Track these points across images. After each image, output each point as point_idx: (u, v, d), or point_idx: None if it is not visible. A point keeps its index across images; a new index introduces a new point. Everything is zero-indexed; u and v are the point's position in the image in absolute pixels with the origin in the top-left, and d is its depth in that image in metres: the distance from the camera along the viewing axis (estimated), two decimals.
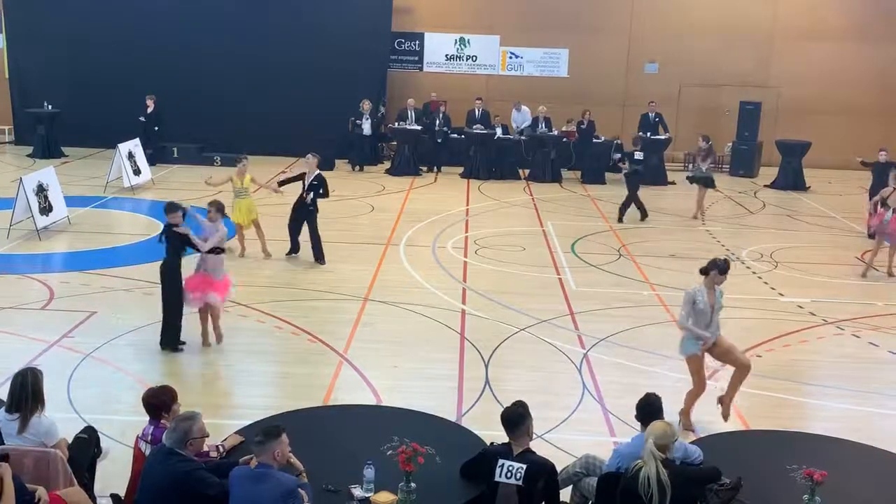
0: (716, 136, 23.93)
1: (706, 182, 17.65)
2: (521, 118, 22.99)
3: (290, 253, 13.80)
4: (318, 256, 13.60)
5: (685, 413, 8.36)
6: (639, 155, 17.68)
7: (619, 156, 18.49)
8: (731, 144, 23.53)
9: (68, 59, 22.93)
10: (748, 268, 14.18)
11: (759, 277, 13.61)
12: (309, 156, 13.72)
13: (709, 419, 8.45)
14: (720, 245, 15.60)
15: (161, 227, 10.30)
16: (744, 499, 5.61)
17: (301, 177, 13.61)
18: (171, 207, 9.71)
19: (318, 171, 13.60)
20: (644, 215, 17.33)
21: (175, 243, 9.62)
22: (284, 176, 14.65)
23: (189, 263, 9.97)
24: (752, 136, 23.07)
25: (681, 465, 5.66)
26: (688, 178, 18.70)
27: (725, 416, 8.27)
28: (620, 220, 17.13)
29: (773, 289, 13.03)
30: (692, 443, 6.34)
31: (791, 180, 21.61)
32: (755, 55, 24.48)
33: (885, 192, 14.03)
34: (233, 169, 14.32)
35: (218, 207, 10.37)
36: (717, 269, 8.07)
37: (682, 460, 5.88)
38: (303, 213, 13.55)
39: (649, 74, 24.70)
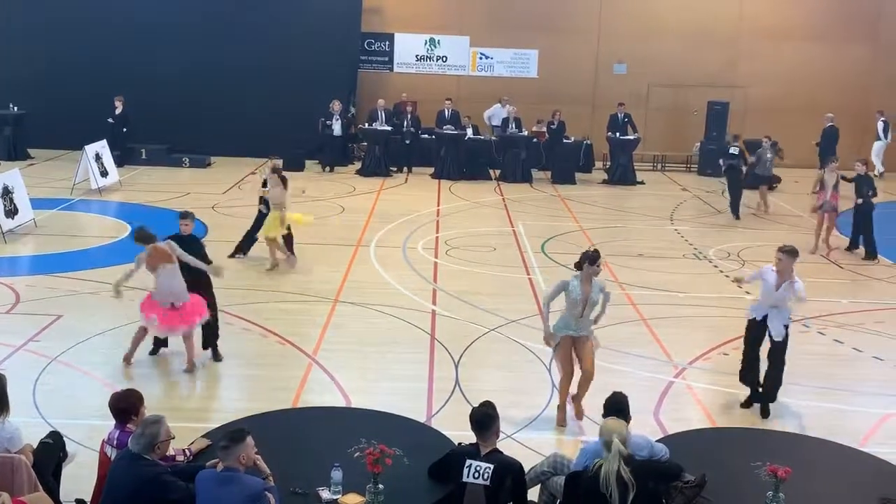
0: (683, 137, 24.27)
1: (768, 180, 18.83)
2: (499, 113, 23.00)
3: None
4: (243, 249, 13.66)
5: (561, 407, 8.41)
6: (733, 149, 18.53)
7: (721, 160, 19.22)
8: (698, 144, 23.73)
9: (34, 60, 22.63)
10: (715, 266, 14.32)
11: (727, 276, 13.73)
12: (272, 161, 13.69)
13: (675, 416, 8.54)
14: (688, 244, 15.75)
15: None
16: (708, 496, 5.66)
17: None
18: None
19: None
20: (735, 215, 17.99)
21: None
22: (254, 177, 14.34)
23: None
24: (720, 136, 23.25)
25: (642, 461, 5.70)
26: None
27: (578, 416, 8.43)
28: (737, 217, 17.98)
29: (739, 287, 13.12)
30: (658, 440, 6.39)
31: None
32: (722, 55, 24.72)
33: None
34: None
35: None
36: (587, 260, 8.14)
37: (649, 458, 5.94)
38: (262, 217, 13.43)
39: (618, 75, 24.86)
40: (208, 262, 9.67)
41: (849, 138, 23.83)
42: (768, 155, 18.86)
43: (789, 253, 8.54)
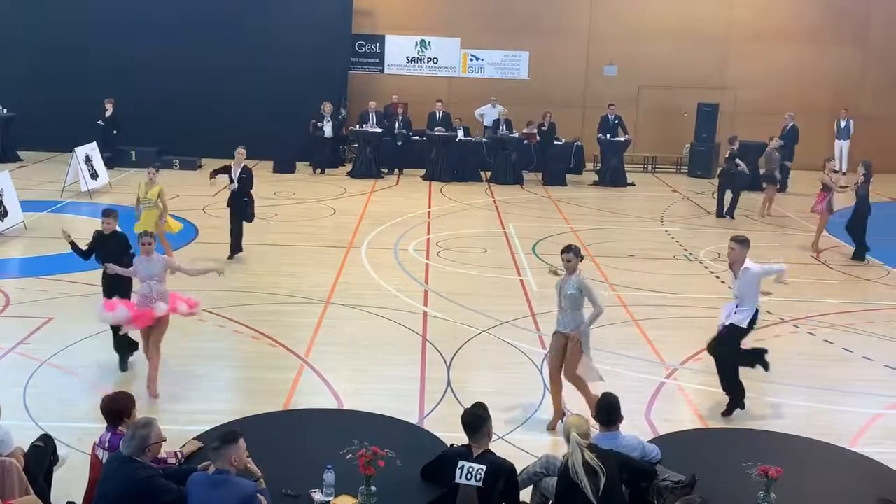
0: (674, 138, 24.32)
1: (768, 179, 19.03)
2: (490, 114, 23.07)
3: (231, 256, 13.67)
4: (235, 249, 13.62)
5: (555, 411, 8.43)
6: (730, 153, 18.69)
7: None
8: (688, 146, 23.80)
9: (24, 62, 22.55)
10: (706, 267, 14.37)
11: (717, 277, 13.78)
12: (239, 148, 13.68)
13: (666, 417, 8.56)
14: (678, 245, 15.79)
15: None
16: (699, 496, 5.67)
17: (227, 169, 13.58)
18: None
19: (244, 164, 13.62)
20: (718, 213, 18.34)
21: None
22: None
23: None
24: (710, 138, 23.35)
25: (608, 450, 5.72)
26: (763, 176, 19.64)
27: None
28: (719, 216, 18.38)
29: (730, 288, 13.16)
30: (650, 441, 6.41)
31: (748, 181, 21.85)
32: (712, 57, 24.80)
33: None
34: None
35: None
36: (571, 252, 8.13)
37: (640, 458, 5.97)
38: (236, 207, 13.52)
39: (608, 77, 24.91)
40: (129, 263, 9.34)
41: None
42: (776, 155, 18.95)
43: (741, 242, 8.60)
